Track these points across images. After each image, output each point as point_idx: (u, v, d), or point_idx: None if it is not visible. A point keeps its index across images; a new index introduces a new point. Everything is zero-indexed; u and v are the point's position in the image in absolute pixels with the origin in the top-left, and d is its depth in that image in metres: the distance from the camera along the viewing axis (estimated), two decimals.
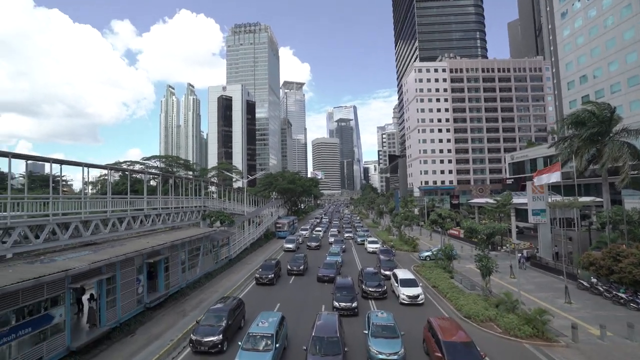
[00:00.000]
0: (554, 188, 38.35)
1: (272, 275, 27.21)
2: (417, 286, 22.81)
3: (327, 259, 32.77)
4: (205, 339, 15.06)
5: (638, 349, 15.36)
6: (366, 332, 15.49)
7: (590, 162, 30.33)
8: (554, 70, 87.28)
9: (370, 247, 42.51)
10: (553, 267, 29.71)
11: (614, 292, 21.58)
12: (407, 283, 23.02)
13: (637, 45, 43.68)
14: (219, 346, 15.10)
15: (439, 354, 13.43)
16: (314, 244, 45.95)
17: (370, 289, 23.26)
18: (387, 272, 27.78)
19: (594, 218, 34.60)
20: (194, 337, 15.28)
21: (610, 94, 47.24)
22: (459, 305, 20.64)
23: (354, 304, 20.19)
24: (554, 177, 28.06)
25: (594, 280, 23.46)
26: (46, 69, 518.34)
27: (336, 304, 20.21)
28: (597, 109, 28.95)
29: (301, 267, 30.01)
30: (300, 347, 14.66)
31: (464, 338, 13.93)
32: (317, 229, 63.53)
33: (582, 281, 24.52)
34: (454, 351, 13.14)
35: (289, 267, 30.09)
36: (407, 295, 21.94)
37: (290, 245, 44.47)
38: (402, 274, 24.62)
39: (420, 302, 21.87)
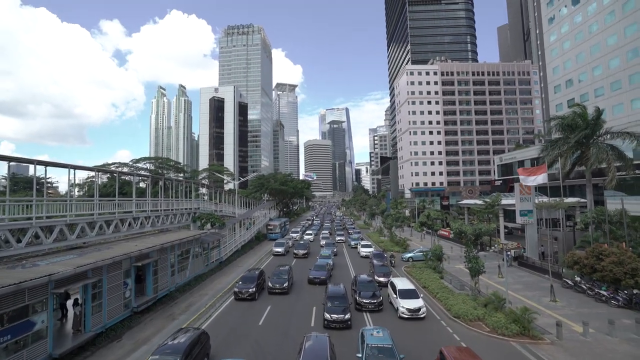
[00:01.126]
0: (541, 189, 39.17)
1: (254, 289, 23.64)
2: (418, 297, 20.64)
3: (318, 261, 32.59)
4: None
5: (618, 345, 15.80)
6: (359, 355, 13.41)
7: (574, 165, 31.08)
8: (541, 74, 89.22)
9: (364, 251, 41.13)
10: (539, 266, 30.29)
11: (596, 290, 22.13)
12: (406, 294, 20.75)
13: (619, 51, 45.00)
14: None
15: None
16: (301, 251, 41.05)
17: (364, 301, 21.16)
18: (382, 279, 26.41)
19: (578, 218, 35.42)
20: None
21: (594, 97, 48.51)
22: (449, 305, 20.89)
23: (347, 316, 18.51)
24: (541, 178, 28.73)
25: (577, 278, 24.02)
26: (32, 68, 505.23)
27: (327, 315, 18.54)
28: (584, 111, 29.67)
29: (285, 285, 25.12)
30: None
31: None
32: (308, 232, 60.51)
33: (566, 280, 25.07)
34: None
35: (270, 284, 25.30)
36: (407, 309, 19.73)
37: (279, 249, 42.87)
38: (401, 283, 22.30)
39: (421, 315, 19.72)
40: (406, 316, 19.70)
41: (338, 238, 54.66)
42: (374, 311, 21.10)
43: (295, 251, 41.88)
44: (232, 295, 24.32)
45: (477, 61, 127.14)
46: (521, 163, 58.04)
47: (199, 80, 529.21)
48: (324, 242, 47.92)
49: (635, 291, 20.05)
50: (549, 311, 20.31)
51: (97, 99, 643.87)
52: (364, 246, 42.75)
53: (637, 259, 20.50)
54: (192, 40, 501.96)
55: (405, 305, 19.95)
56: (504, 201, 42.99)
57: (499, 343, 16.47)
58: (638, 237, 24.96)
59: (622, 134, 28.15)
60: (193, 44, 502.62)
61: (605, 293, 21.49)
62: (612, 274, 20.47)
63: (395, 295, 21.27)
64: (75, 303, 16.53)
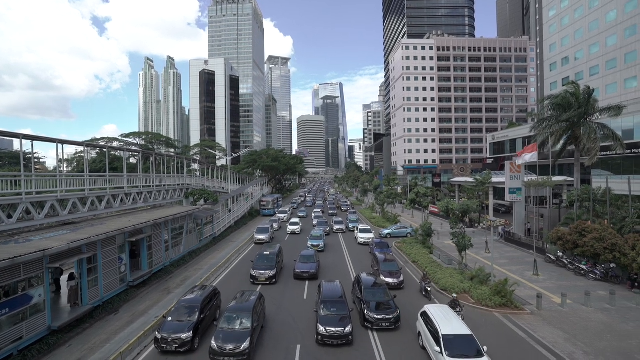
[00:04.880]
0: (530, 168, 39.78)
1: (190, 333, 13.39)
2: (483, 354, 11.50)
3: (308, 244, 30.87)
4: None
5: (592, 314, 16.88)
6: None
7: (566, 144, 31.55)
8: (538, 51, 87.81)
9: (362, 237, 34.29)
10: (525, 242, 31.45)
11: (577, 264, 23.25)
12: (458, 345, 11.75)
13: (617, 28, 44.43)
14: None
15: None
16: (264, 273, 22.03)
17: (375, 316, 15.18)
18: (390, 280, 20.70)
19: (565, 196, 36.42)
20: None
21: (589, 76, 48.40)
22: (437, 278, 21.70)
23: (348, 329, 13.87)
24: (532, 157, 29.17)
25: (559, 253, 25.11)
26: (4, 35, 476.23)
27: (321, 328, 13.89)
28: (577, 90, 29.79)
29: (244, 346, 12.53)
30: None
31: None
32: (293, 220, 44.28)
33: (549, 255, 26.19)
34: None
35: (214, 343, 12.64)
36: None
37: (262, 237, 34.09)
38: (445, 319, 13.09)
39: None
40: None
41: (337, 227, 41.88)
42: (386, 330, 15.37)
43: (254, 272, 22.21)
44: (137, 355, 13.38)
45: (474, 36, 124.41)
46: (513, 141, 58.55)
47: (185, 51, 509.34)
48: (316, 222, 44.20)
49: (612, 265, 21.12)
50: (531, 284, 21.35)
51: (79, 70, 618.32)
52: (362, 231, 35.63)
53: (616, 235, 21.41)
54: (174, 7, 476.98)
55: None
56: (494, 179, 43.74)
57: (482, 313, 17.40)
58: (619, 215, 25.91)
59: (607, 110, 28.75)
60: (175, 11, 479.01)
61: (584, 267, 22.61)
62: (593, 249, 21.41)
63: (437, 347, 11.97)
64: (71, 277, 16.73)
